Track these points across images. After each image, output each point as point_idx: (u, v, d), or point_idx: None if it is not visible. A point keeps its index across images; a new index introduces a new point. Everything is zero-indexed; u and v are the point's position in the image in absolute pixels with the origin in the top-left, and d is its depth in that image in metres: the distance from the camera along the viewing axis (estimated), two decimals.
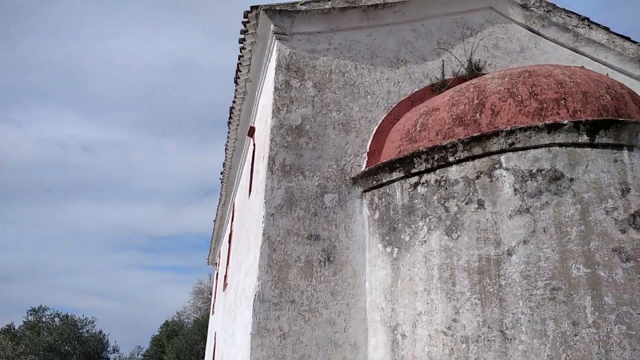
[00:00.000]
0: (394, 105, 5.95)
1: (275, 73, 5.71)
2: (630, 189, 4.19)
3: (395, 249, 4.94)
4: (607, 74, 6.20)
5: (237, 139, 9.00)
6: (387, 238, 5.06)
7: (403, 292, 4.72)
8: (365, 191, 5.48)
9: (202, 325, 25.19)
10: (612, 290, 3.90)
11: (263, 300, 4.87)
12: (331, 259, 5.18)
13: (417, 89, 6.09)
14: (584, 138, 4.30)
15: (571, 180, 4.24)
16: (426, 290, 4.51)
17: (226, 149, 9.60)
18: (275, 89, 5.64)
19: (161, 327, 32.74)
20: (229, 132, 8.90)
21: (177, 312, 34.04)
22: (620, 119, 4.31)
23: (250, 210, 6.75)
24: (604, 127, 4.28)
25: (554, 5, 6.89)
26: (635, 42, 6.82)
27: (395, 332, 4.69)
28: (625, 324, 3.81)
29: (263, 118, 6.27)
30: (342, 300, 5.07)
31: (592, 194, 4.17)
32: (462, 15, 6.62)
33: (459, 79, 6.11)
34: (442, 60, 6.29)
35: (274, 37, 5.85)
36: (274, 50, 5.93)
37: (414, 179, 4.98)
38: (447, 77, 6.18)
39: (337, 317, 5.00)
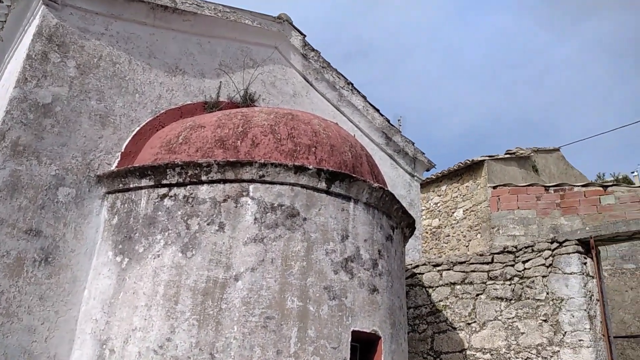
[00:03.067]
0: (162, 112, 5.75)
1: (33, 40, 5.00)
2: (348, 236, 4.79)
3: (126, 259, 4.65)
4: (355, 135, 7.12)
5: None
6: (120, 247, 4.74)
7: (123, 306, 4.45)
8: (108, 193, 5.09)
9: None
10: (316, 324, 4.33)
11: None
12: (50, 260, 4.60)
13: (189, 102, 6.02)
14: (323, 185, 4.78)
15: (304, 219, 4.64)
16: (147, 306, 4.33)
17: None
18: (28, 56, 4.92)
19: None
20: None
21: None
22: (354, 175, 4.94)
23: None
24: (340, 179, 4.84)
25: (329, 63, 7.68)
26: (382, 115, 8.03)
27: (105, 346, 4.36)
28: (320, 355, 4.25)
29: (5, 86, 5.39)
30: (51, 307, 4.52)
31: (318, 235, 4.63)
32: (249, 46, 6.87)
33: (233, 104, 6.26)
34: (220, 82, 6.38)
35: (41, 2, 5.14)
36: (37, 16, 5.20)
37: (163, 191, 4.83)
38: (221, 99, 6.27)
39: (40, 324, 4.42)
